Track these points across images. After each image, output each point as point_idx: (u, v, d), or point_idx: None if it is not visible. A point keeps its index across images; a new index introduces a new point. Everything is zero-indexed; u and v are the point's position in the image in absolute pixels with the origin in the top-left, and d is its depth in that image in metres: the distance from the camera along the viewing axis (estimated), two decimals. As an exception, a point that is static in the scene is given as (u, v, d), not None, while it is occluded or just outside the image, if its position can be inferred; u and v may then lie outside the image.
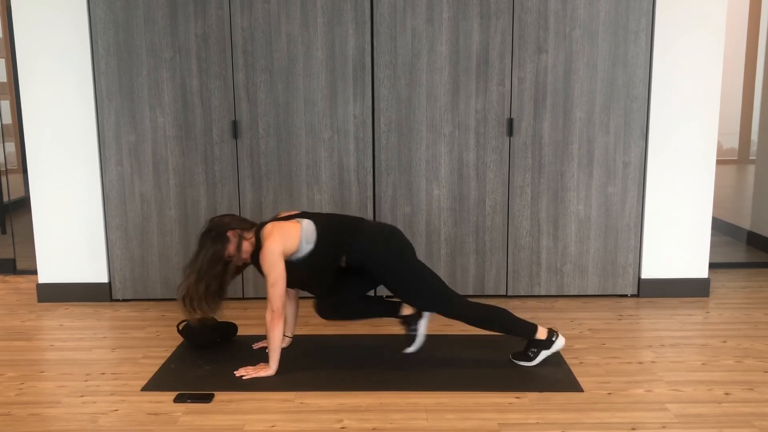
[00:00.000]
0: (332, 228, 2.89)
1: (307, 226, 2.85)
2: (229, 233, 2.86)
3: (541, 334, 2.95)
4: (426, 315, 3.06)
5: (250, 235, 2.88)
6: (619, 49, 3.69)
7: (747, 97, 5.58)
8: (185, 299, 2.85)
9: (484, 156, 3.79)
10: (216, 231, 2.86)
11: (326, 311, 3.01)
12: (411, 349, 3.09)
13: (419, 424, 2.47)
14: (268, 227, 2.83)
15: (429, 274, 2.90)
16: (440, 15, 3.65)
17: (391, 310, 3.12)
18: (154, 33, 3.69)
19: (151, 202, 3.85)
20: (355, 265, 2.90)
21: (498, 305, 2.97)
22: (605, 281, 3.91)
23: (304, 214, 2.93)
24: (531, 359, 2.96)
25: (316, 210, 3.83)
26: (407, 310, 3.08)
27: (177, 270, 3.89)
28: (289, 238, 2.80)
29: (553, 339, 2.95)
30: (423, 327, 3.07)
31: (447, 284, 2.94)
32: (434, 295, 2.89)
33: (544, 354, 2.95)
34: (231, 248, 2.86)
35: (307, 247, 2.83)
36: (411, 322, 3.08)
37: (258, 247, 2.83)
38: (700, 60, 3.74)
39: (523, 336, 2.97)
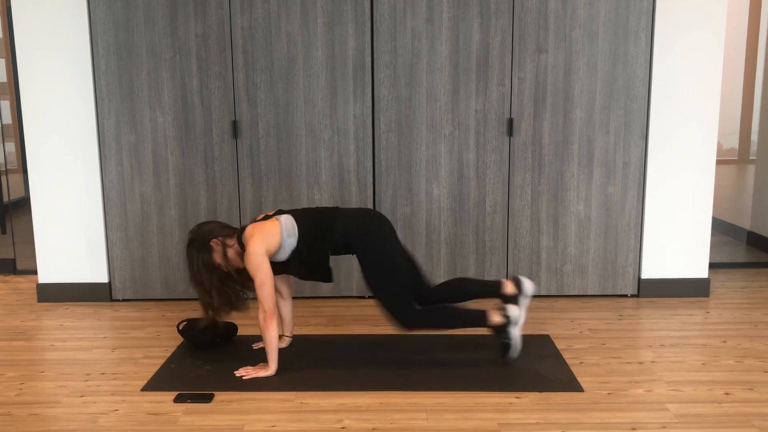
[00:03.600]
0: (311, 218, 2.90)
1: (286, 221, 2.86)
2: (212, 242, 2.87)
3: (495, 317, 2.89)
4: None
5: (232, 242, 2.89)
6: (619, 49, 3.69)
7: (747, 97, 5.58)
8: (211, 311, 2.91)
9: (484, 156, 3.79)
10: (199, 241, 2.88)
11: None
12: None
13: (419, 424, 2.47)
14: (249, 229, 2.84)
15: (400, 270, 2.87)
16: (440, 15, 3.65)
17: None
18: (154, 33, 3.69)
19: (151, 202, 3.85)
20: (340, 250, 2.90)
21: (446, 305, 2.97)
22: (605, 281, 3.91)
23: (280, 212, 2.95)
24: (509, 345, 2.91)
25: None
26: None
27: (177, 270, 3.89)
28: (270, 236, 2.80)
29: (509, 314, 2.88)
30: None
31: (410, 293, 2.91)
32: (396, 294, 2.85)
33: (513, 330, 2.89)
34: (217, 257, 2.87)
35: (290, 240, 2.83)
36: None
37: (243, 251, 2.84)
38: (700, 60, 3.74)
39: (478, 325, 2.91)
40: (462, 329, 3.01)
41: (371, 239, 2.87)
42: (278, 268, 2.91)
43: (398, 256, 2.90)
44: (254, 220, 2.95)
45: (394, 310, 2.86)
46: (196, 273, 2.87)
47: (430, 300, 3.03)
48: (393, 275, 2.86)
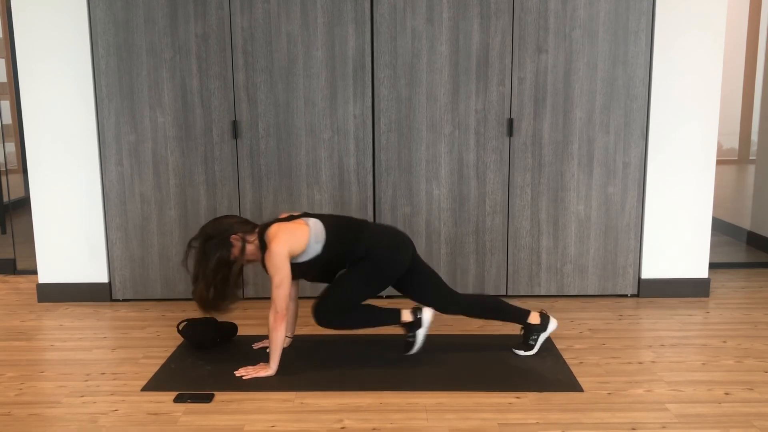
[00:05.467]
0: (340, 227, 2.91)
1: (315, 226, 2.85)
2: (232, 238, 2.85)
3: (406, 316, 2.99)
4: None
5: (253, 238, 2.87)
6: (619, 49, 3.69)
7: (747, 97, 5.58)
8: (200, 304, 2.89)
9: (484, 156, 3.79)
10: (219, 237, 2.84)
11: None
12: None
13: (419, 424, 2.47)
14: (273, 228, 2.83)
15: (366, 293, 2.93)
16: (440, 15, 3.65)
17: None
18: (154, 33, 3.69)
19: (151, 202, 3.85)
20: (358, 259, 2.90)
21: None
22: (605, 281, 3.91)
23: (306, 215, 2.93)
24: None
25: (317, 210, 3.83)
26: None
27: (177, 270, 3.89)
28: (296, 239, 2.80)
29: (420, 316, 2.98)
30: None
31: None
32: (342, 299, 2.91)
33: (420, 331, 2.99)
34: (235, 252, 2.85)
35: (317, 246, 2.83)
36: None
37: (263, 248, 2.83)
38: (700, 60, 3.74)
39: (392, 323, 3.00)
40: (379, 327, 3.06)
41: (386, 260, 2.90)
42: (294, 270, 2.90)
43: (380, 286, 2.95)
44: (278, 219, 2.94)
45: (326, 306, 2.89)
46: (210, 269, 2.82)
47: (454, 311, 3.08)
48: (359, 291, 2.91)
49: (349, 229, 2.92)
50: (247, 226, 2.91)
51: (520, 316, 3.08)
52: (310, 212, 3.05)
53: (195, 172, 3.82)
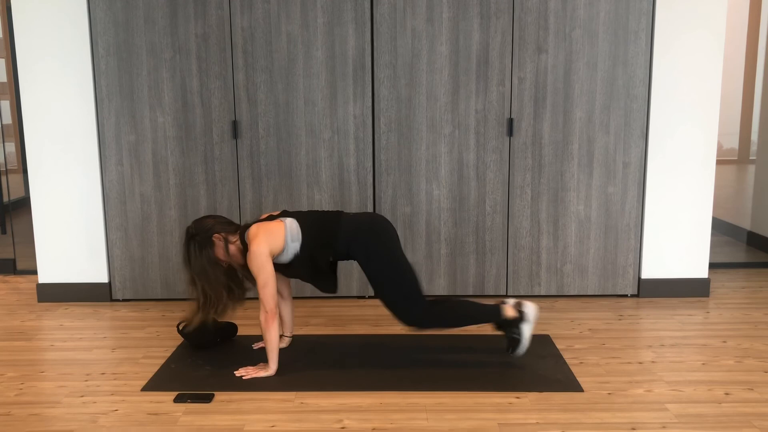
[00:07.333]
0: (315, 223, 2.88)
1: (291, 224, 2.84)
2: (215, 237, 2.85)
3: (509, 312, 2.88)
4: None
5: (235, 238, 2.87)
6: (619, 49, 3.69)
7: (747, 97, 5.58)
8: (210, 307, 2.86)
9: (484, 156, 3.79)
10: (201, 236, 2.84)
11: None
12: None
13: (419, 424, 2.47)
14: (253, 229, 2.83)
15: (407, 270, 2.85)
16: (440, 15, 3.66)
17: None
18: (154, 33, 3.69)
19: (151, 202, 3.85)
20: (342, 256, 2.89)
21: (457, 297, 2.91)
22: (605, 281, 3.91)
23: (285, 213, 2.93)
24: (519, 341, 2.88)
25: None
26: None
27: (177, 270, 3.89)
28: (274, 238, 2.79)
29: (524, 310, 2.88)
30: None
31: (421, 287, 2.88)
32: (405, 292, 2.82)
33: (525, 328, 2.88)
34: (219, 252, 2.85)
35: (294, 245, 2.82)
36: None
37: (245, 249, 2.83)
38: (700, 60, 3.74)
39: (491, 321, 2.91)
40: (473, 326, 2.99)
41: (375, 245, 2.85)
42: (280, 270, 2.91)
43: (403, 258, 2.88)
44: (258, 219, 2.94)
45: (404, 311, 2.83)
46: (202, 268, 2.82)
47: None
48: (401, 276, 2.84)
49: (325, 223, 2.88)
50: (229, 226, 2.91)
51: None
52: (289, 210, 3.02)
53: (195, 172, 3.82)
